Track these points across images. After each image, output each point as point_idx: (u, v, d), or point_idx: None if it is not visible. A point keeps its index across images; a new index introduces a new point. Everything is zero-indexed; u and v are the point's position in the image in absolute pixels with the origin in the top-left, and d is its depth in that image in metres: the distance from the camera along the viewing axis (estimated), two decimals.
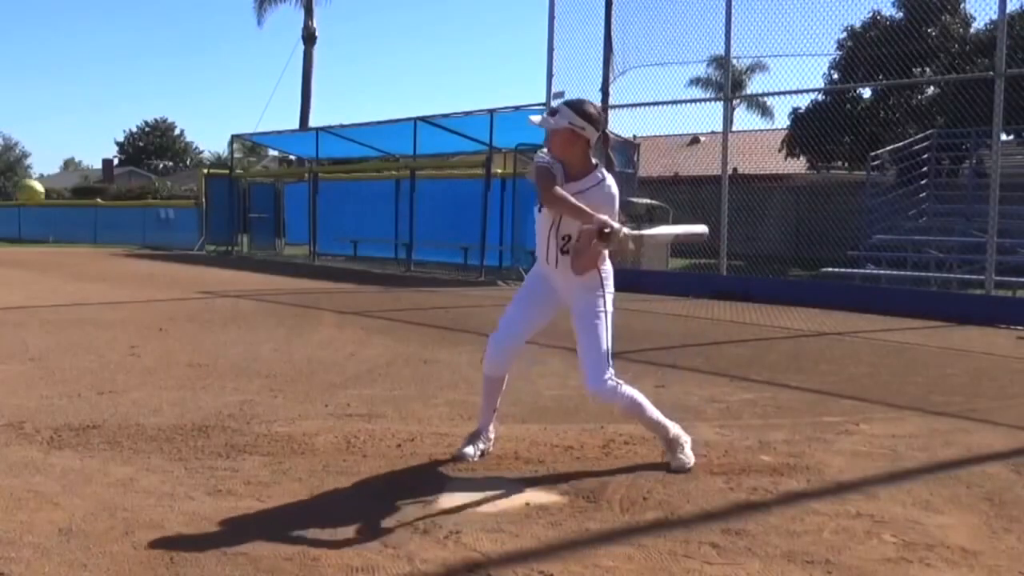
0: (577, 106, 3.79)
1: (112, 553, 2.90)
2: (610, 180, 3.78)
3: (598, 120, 3.79)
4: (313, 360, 6.70)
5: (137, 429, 4.47)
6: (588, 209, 3.59)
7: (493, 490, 3.61)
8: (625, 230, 3.60)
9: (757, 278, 13.29)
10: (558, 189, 3.65)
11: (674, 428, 3.97)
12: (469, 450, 4.03)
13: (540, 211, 3.84)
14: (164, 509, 3.31)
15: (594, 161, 3.80)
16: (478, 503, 3.46)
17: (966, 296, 11.50)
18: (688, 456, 3.93)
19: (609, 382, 3.77)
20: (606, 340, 3.78)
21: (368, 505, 3.42)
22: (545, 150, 3.83)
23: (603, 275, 3.83)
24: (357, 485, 3.65)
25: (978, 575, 2.87)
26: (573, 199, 3.63)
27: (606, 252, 3.76)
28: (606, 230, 3.51)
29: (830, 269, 13.79)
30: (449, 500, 3.50)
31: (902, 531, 3.22)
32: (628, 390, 3.83)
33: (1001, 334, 9.17)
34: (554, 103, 14.42)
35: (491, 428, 4.15)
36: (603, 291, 3.83)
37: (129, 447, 4.15)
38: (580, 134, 3.73)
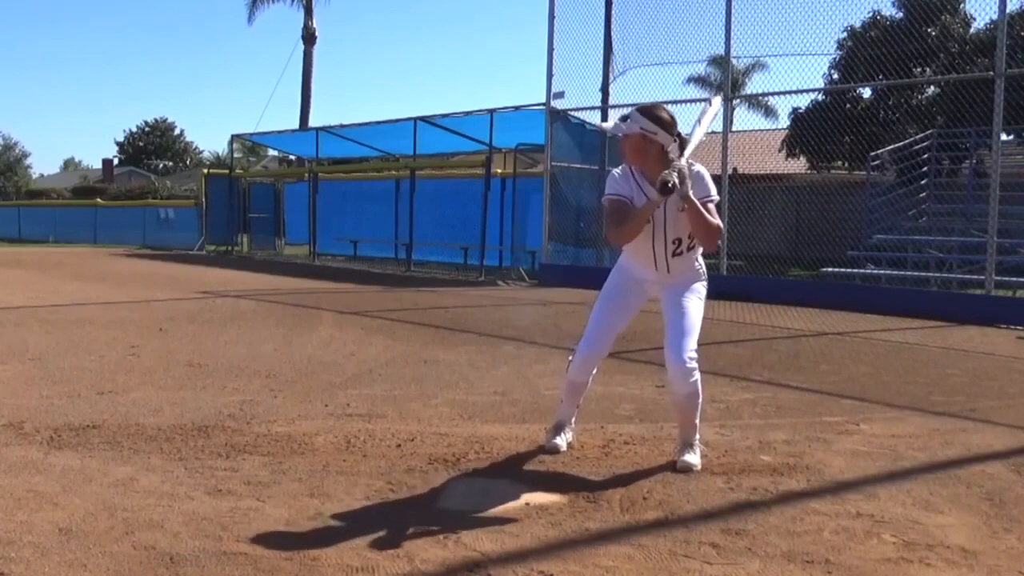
0: (648, 110, 3.81)
1: (112, 553, 2.89)
2: (697, 164, 3.78)
3: (671, 124, 3.78)
4: (313, 360, 6.70)
5: (137, 429, 4.47)
6: (645, 204, 3.68)
7: (493, 490, 3.61)
8: (675, 170, 3.59)
9: (757, 278, 13.28)
10: (622, 227, 3.74)
11: (699, 434, 4.02)
12: (559, 441, 4.14)
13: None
14: (164, 509, 3.31)
15: (673, 160, 3.76)
16: (478, 503, 3.46)
17: (966, 296, 11.49)
18: (698, 460, 3.93)
19: (693, 361, 3.82)
20: (699, 324, 3.90)
21: (368, 505, 3.42)
22: (619, 169, 3.87)
23: (704, 269, 4.02)
24: (357, 485, 3.65)
25: (978, 575, 2.87)
26: (632, 212, 3.71)
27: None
28: (668, 184, 3.52)
29: (830, 269, 13.78)
30: (449, 500, 3.50)
31: (902, 531, 3.22)
32: (699, 379, 3.88)
33: (1001, 334, 9.17)
34: (554, 103, 14.50)
35: (573, 420, 4.24)
36: (705, 281, 4.01)
37: (129, 447, 4.15)
38: (652, 139, 3.73)
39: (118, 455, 4.03)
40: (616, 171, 3.91)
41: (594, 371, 4.16)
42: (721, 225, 3.87)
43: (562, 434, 4.18)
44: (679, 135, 3.81)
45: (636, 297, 4.06)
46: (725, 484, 3.73)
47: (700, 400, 3.92)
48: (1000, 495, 3.67)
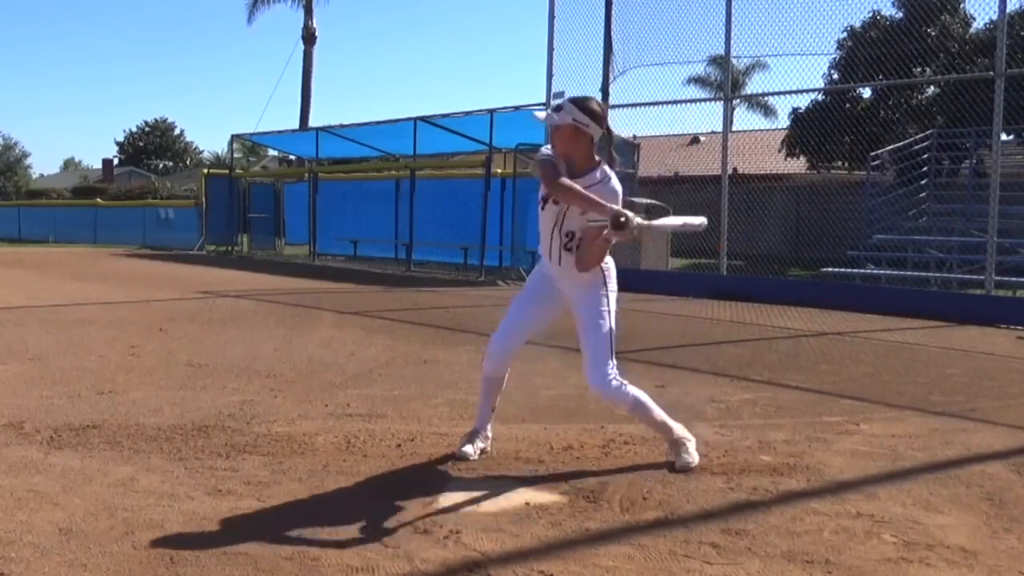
0: (581, 102, 3.79)
1: (112, 553, 2.90)
2: (614, 177, 3.78)
3: (602, 117, 3.78)
4: (313, 360, 6.70)
5: (137, 429, 4.47)
6: (599, 199, 3.58)
7: (493, 490, 3.61)
8: (638, 220, 3.57)
9: (757, 278, 13.28)
10: (565, 179, 3.64)
11: (678, 428, 3.97)
12: (468, 449, 4.03)
13: (543, 208, 3.84)
14: (164, 509, 3.31)
15: (597, 158, 3.80)
16: (478, 503, 3.46)
17: (966, 296, 11.49)
18: (693, 456, 3.93)
19: (613, 381, 3.77)
20: (610, 339, 3.79)
21: (368, 505, 3.42)
22: (548, 147, 3.83)
23: (606, 273, 3.84)
24: (357, 485, 3.65)
25: (978, 575, 2.87)
26: (582, 189, 3.62)
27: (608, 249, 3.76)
28: (621, 219, 3.49)
29: (830, 269, 13.79)
30: (449, 500, 3.50)
31: (902, 531, 3.22)
32: (632, 389, 3.84)
33: (1001, 334, 9.17)
34: (554, 102, 14.48)
35: (489, 427, 4.15)
36: (606, 289, 3.84)
37: (129, 447, 4.15)
38: (584, 131, 3.73)
39: (118, 455, 4.03)
40: (546, 147, 3.84)
41: (507, 366, 4.07)
42: (599, 261, 3.75)
43: (475, 441, 4.06)
44: (608, 128, 3.81)
45: (549, 293, 3.97)
46: (725, 484, 3.73)
47: (646, 404, 3.88)
48: (1000, 495, 3.67)
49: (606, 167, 3.79)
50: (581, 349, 3.84)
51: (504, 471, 3.89)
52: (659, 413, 3.93)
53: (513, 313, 4.03)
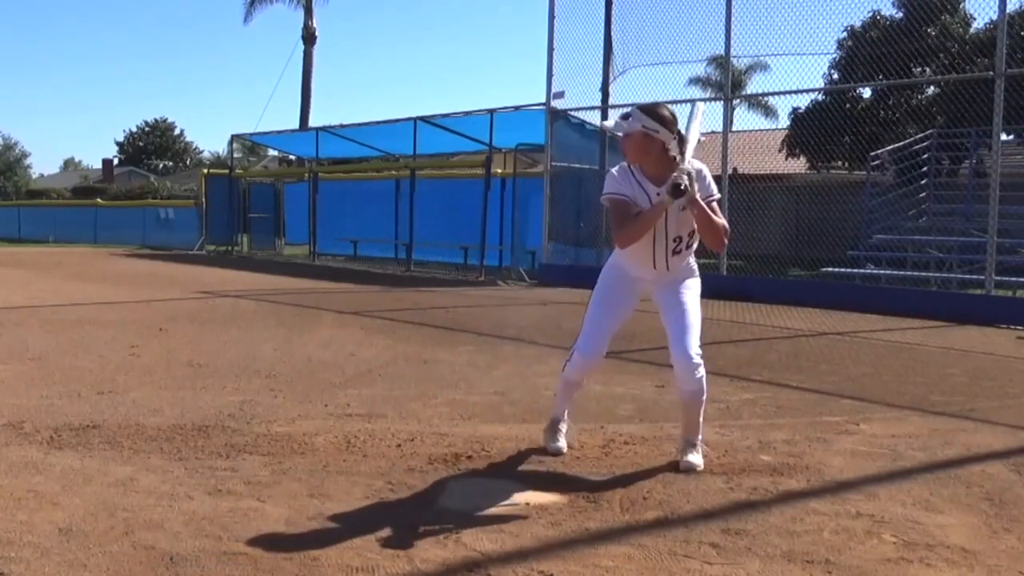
0: (650, 109, 3.81)
1: (112, 553, 2.89)
2: (696, 162, 3.78)
3: (672, 122, 3.78)
4: (313, 360, 6.70)
5: (137, 429, 4.47)
6: (652, 208, 3.68)
7: (493, 490, 3.61)
8: (684, 171, 3.63)
9: (757, 278, 13.28)
10: (630, 229, 3.72)
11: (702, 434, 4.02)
12: (562, 443, 4.12)
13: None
14: (164, 509, 3.31)
15: (676, 159, 3.76)
16: (478, 503, 3.45)
17: (966, 296, 11.49)
18: (700, 460, 3.93)
19: (699, 357, 3.83)
20: (701, 321, 3.92)
21: (368, 505, 3.42)
22: (611, 173, 3.88)
23: (697, 267, 4.01)
24: (357, 485, 3.65)
25: (978, 575, 2.87)
26: (641, 216, 3.71)
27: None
28: (681, 187, 3.56)
29: (830, 269, 13.78)
30: (449, 500, 3.50)
31: (902, 531, 3.22)
32: (705, 376, 3.89)
33: (1001, 334, 9.17)
34: (554, 103, 14.48)
35: (567, 415, 4.22)
36: (699, 276, 4.02)
37: (129, 447, 4.15)
38: (654, 137, 3.73)
39: (118, 455, 4.03)
40: (614, 169, 3.91)
41: (591, 372, 4.15)
42: (727, 225, 3.86)
43: (560, 433, 4.17)
44: (679, 133, 3.81)
45: (631, 295, 4.05)
46: (725, 484, 3.73)
47: (705, 397, 3.93)
48: (1000, 495, 3.67)
49: (687, 166, 3.74)
50: (670, 324, 3.89)
51: (504, 471, 3.89)
52: (703, 412, 3.98)
53: (598, 323, 4.01)
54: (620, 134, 3.80)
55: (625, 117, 3.80)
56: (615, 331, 4.08)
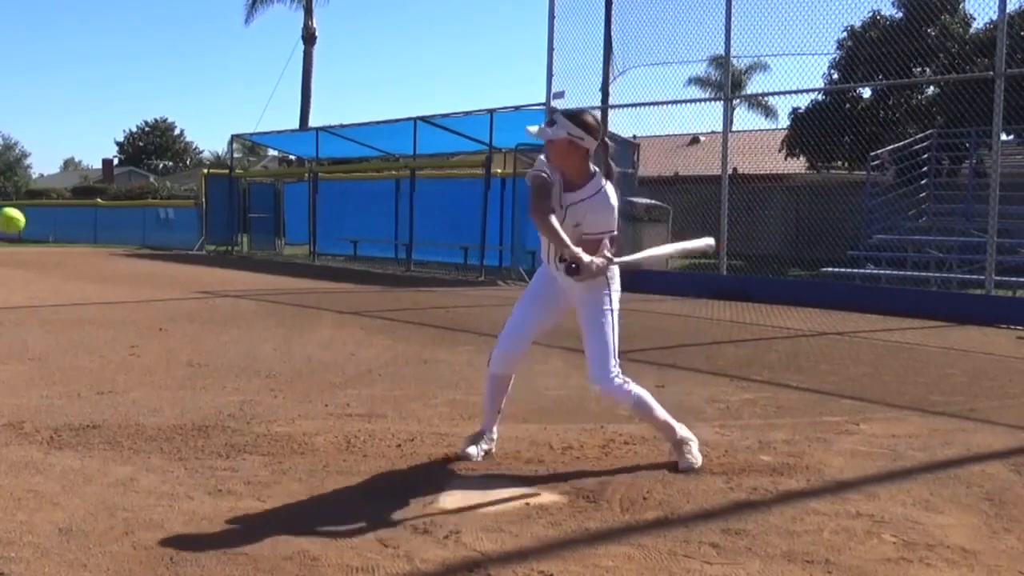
0: (575, 116, 3.80)
1: (112, 553, 2.90)
2: (610, 188, 3.78)
3: (596, 129, 3.78)
4: (313, 360, 6.70)
5: (137, 429, 4.47)
6: (566, 239, 3.62)
7: (493, 490, 3.61)
8: (597, 261, 3.62)
9: (757, 278, 13.28)
10: (546, 216, 3.67)
11: (681, 429, 3.98)
12: (473, 450, 4.03)
13: None
14: (164, 509, 3.31)
15: (593, 169, 3.79)
16: (478, 503, 3.46)
17: (966, 296, 11.49)
18: (696, 456, 3.93)
19: (616, 380, 3.78)
20: (613, 338, 3.80)
21: (368, 505, 3.42)
22: (543, 157, 3.83)
23: (609, 273, 3.84)
24: (357, 485, 3.65)
25: (978, 575, 2.87)
26: (556, 226, 3.66)
27: (608, 255, 3.76)
28: (573, 265, 3.57)
29: (830, 269, 13.79)
30: (449, 500, 3.50)
31: (902, 531, 3.22)
32: (635, 388, 3.85)
33: (1001, 334, 9.17)
34: (554, 103, 14.47)
35: (494, 429, 4.15)
36: (609, 289, 3.85)
37: (129, 447, 4.15)
38: (578, 144, 3.72)
39: (118, 455, 4.03)
40: (543, 158, 3.85)
41: (513, 366, 4.09)
42: (592, 277, 3.73)
43: (480, 442, 4.05)
44: (604, 140, 3.81)
45: (553, 294, 3.99)
46: (725, 484, 3.74)
47: (649, 404, 3.89)
48: (1000, 495, 3.67)
49: (602, 179, 3.77)
50: (584, 348, 3.85)
51: (504, 471, 3.89)
52: (661, 412, 3.93)
53: (518, 315, 4.04)
54: (543, 140, 3.79)
55: (550, 123, 3.79)
56: (540, 326, 4.05)
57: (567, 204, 3.76)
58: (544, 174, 3.75)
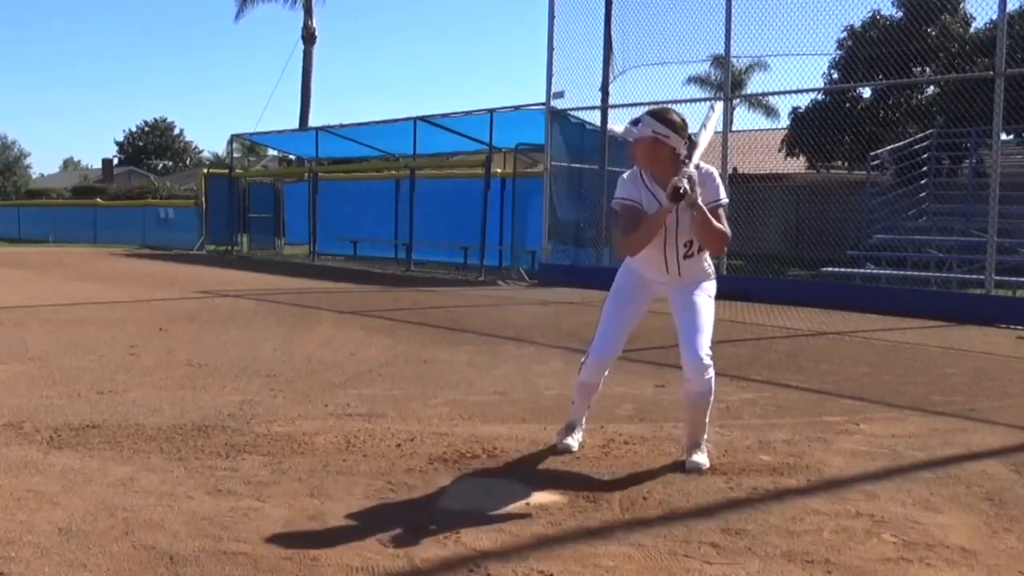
0: (660, 114, 3.81)
1: (112, 553, 2.89)
2: (706, 167, 3.79)
3: (683, 127, 3.78)
4: (313, 360, 6.70)
5: (137, 429, 4.47)
6: (655, 214, 3.68)
7: (493, 490, 3.61)
8: (687, 175, 3.61)
9: (757, 278, 13.28)
10: (634, 233, 3.71)
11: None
12: (571, 442, 4.15)
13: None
14: (164, 509, 3.31)
15: (684, 162, 3.75)
16: (478, 503, 3.46)
17: (966, 296, 11.49)
18: (706, 460, 3.93)
19: (709, 359, 3.81)
20: (713, 323, 3.89)
21: (368, 505, 3.42)
22: (623, 178, 3.87)
23: (712, 268, 3.99)
24: (357, 485, 3.65)
25: (978, 575, 2.87)
26: (645, 225, 3.70)
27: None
28: (680, 191, 3.54)
29: (830, 269, 13.79)
30: (449, 500, 3.50)
31: (902, 531, 3.22)
32: (714, 378, 3.87)
33: (1001, 334, 9.17)
34: (554, 103, 14.48)
35: (583, 420, 4.24)
36: (715, 279, 3.99)
37: (129, 447, 4.15)
38: (664, 143, 3.73)
39: (118, 455, 4.03)
40: (625, 174, 3.90)
41: (606, 373, 4.14)
42: (728, 232, 3.84)
43: (573, 434, 4.20)
44: (690, 137, 3.80)
45: (645, 297, 4.06)
46: (725, 484, 3.73)
47: (713, 399, 3.91)
48: (1000, 495, 3.67)
49: (690, 169, 3.73)
50: (682, 326, 3.86)
51: (504, 471, 3.89)
52: (709, 413, 3.97)
53: (612, 325, 4.02)
54: (630, 140, 3.79)
55: (635, 123, 3.79)
56: (629, 332, 4.09)
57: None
58: (624, 200, 3.81)
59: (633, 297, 4.04)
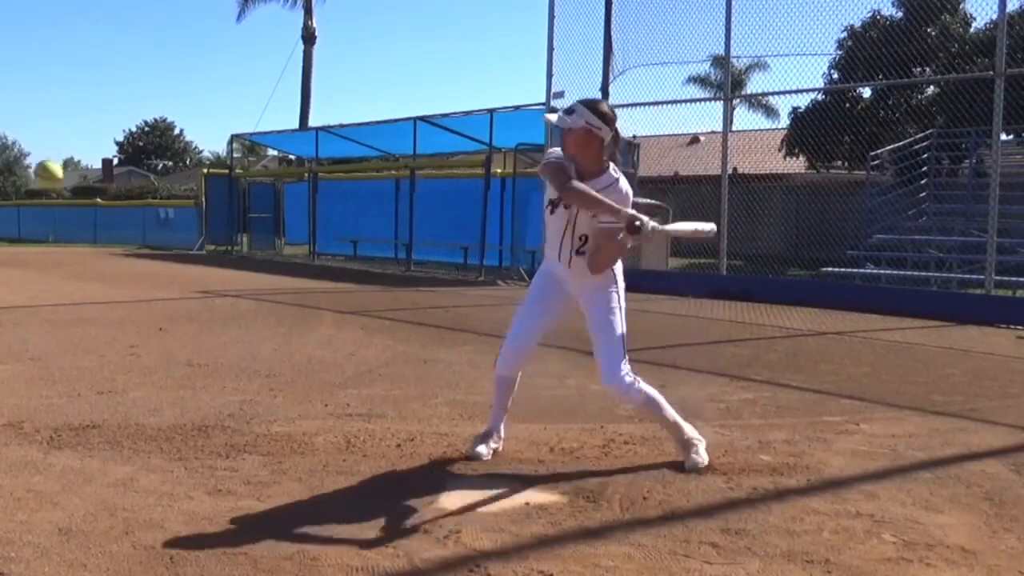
0: (593, 105, 3.80)
1: (112, 553, 2.90)
2: (623, 178, 3.79)
3: (612, 119, 3.78)
4: (313, 360, 6.70)
5: (137, 429, 4.47)
6: (608, 201, 3.58)
7: (493, 490, 3.61)
8: (652, 224, 3.58)
9: (757, 278, 13.28)
10: (578, 184, 3.63)
11: (689, 429, 3.98)
12: (482, 449, 4.04)
13: (552, 212, 3.82)
14: (164, 509, 3.31)
15: (607, 160, 3.79)
16: (478, 503, 3.46)
17: (966, 296, 11.49)
18: (703, 457, 3.93)
19: (627, 378, 3.79)
20: (622, 337, 3.81)
21: (368, 505, 3.42)
22: (556, 149, 3.84)
23: (615, 271, 3.85)
24: (357, 485, 3.65)
25: (978, 575, 2.87)
26: (593, 192, 3.61)
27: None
28: (636, 223, 3.50)
29: (830, 269, 13.79)
30: (449, 500, 3.50)
31: (902, 531, 3.22)
32: (645, 386, 3.85)
33: (1001, 334, 9.17)
34: (554, 103, 14.46)
35: (502, 428, 4.16)
36: (616, 287, 3.87)
37: (129, 447, 4.15)
38: (596, 133, 3.72)
39: (118, 455, 4.03)
40: (555, 150, 3.85)
41: (520, 367, 4.10)
42: (612, 263, 3.76)
43: (488, 442, 4.08)
44: (616, 131, 3.81)
45: (557, 294, 3.98)
46: (725, 484, 3.74)
47: (658, 403, 3.89)
48: (1000, 495, 3.67)
49: (615, 170, 3.78)
50: (593, 348, 3.85)
51: (504, 471, 3.89)
52: (671, 412, 3.94)
53: (523, 316, 4.03)
54: (563, 128, 3.79)
55: (569, 112, 3.78)
56: (544, 327, 4.04)
57: None
58: (557, 159, 3.75)
59: (544, 294, 3.99)
